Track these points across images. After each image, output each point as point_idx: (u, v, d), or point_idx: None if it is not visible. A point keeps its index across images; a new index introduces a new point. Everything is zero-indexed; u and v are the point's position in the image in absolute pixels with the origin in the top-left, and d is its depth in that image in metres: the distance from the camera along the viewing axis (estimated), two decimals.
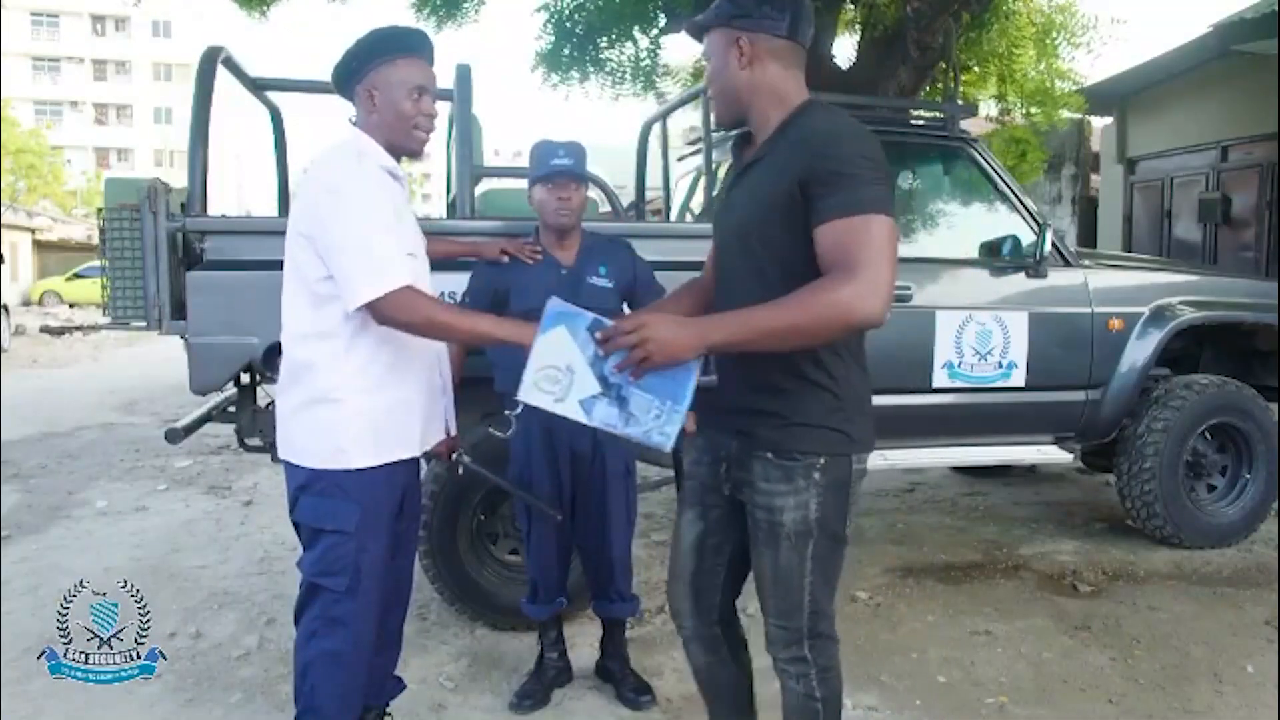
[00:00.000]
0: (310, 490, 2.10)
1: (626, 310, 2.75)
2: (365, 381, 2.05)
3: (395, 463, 2.10)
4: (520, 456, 2.75)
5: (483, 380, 2.87)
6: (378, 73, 2.09)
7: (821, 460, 1.72)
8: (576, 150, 2.73)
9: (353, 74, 2.11)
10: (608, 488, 2.75)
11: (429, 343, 2.18)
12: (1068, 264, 3.98)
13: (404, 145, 2.14)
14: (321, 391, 2.05)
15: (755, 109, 1.78)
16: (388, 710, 2.48)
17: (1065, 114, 8.92)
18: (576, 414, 1.70)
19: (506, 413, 2.63)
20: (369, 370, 2.05)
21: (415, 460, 2.23)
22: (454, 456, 2.46)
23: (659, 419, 1.67)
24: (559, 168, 2.67)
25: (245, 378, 3.31)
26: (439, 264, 2.90)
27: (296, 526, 2.17)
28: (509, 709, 2.77)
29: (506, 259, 2.78)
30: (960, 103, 4.21)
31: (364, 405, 2.05)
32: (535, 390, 1.70)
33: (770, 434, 1.74)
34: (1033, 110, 8.47)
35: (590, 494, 2.76)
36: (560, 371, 1.70)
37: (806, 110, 1.74)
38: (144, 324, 3.01)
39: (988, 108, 8.67)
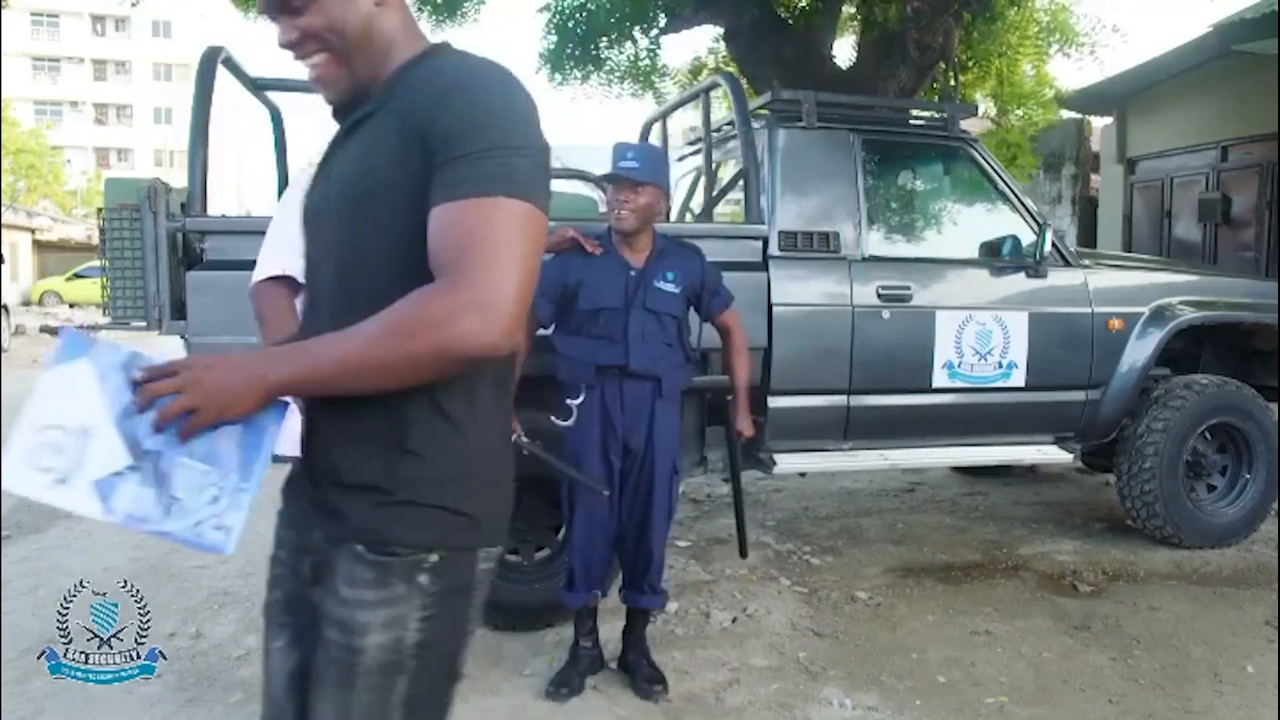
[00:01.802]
0: None
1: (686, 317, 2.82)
2: None
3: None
4: (574, 445, 2.80)
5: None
6: None
7: (433, 557, 1.17)
8: (646, 154, 2.77)
9: None
10: (654, 484, 2.80)
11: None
12: (1068, 264, 3.98)
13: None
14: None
15: (372, 58, 1.22)
16: None
17: (1052, 116, 9.03)
18: (88, 505, 1.09)
19: (568, 401, 2.78)
20: None
21: None
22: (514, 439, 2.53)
23: (216, 503, 1.13)
24: (620, 170, 2.70)
25: None
26: None
27: None
28: (545, 696, 2.81)
29: (572, 245, 2.81)
30: (960, 103, 4.21)
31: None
32: (25, 470, 1.08)
33: (364, 516, 1.18)
34: (1019, 112, 8.57)
35: (638, 488, 2.81)
36: (69, 436, 1.09)
37: (436, 52, 1.23)
38: (144, 324, 3.01)
39: (984, 107, 8.72)
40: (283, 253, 2.07)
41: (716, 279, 2.89)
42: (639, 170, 2.69)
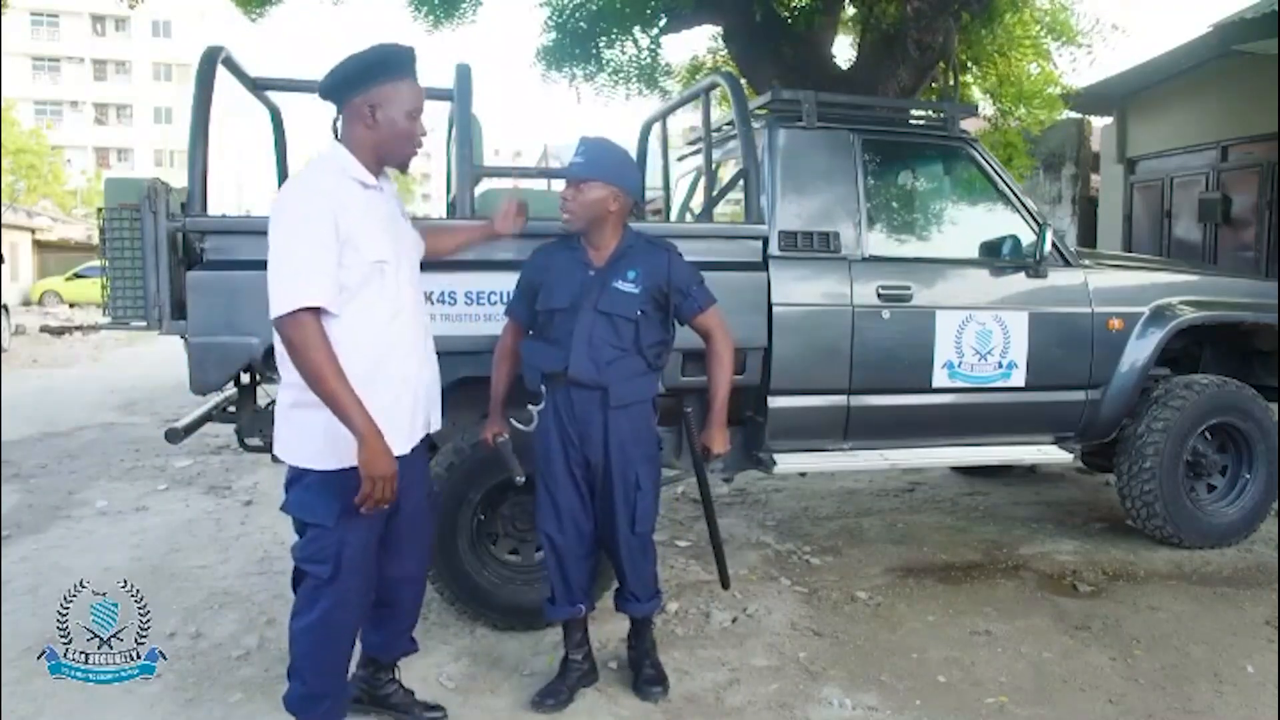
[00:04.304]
0: (296, 485, 2.29)
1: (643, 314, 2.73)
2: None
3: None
4: (540, 453, 2.75)
5: (484, 380, 2.90)
6: (381, 90, 2.19)
7: None
8: (594, 150, 2.66)
9: (353, 85, 2.20)
10: (614, 500, 2.71)
11: (413, 343, 2.33)
12: (1068, 264, 3.98)
13: (396, 159, 2.29)
14: (301, 396, 2.18)
15: None
16: (396, 665, 2.69)
17: (1052, 115, 9.03)
18: None
19: (529, 406, 2.76)
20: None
21: (412, 454, 2.37)
22: (494, 439, 2.80)
23: None
24: (568, 167, 2.66)
25: (245, 378, 3.31)
26: (453, 263, 2.94)
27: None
28: (530, 707, 2.75)
29: (519, 228, 2.85)
30: (960, 103, 4.21)
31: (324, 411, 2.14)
32: None
33: None
34: (1022, 112, 8.57)
35: (602, 502, 2.74)
36: None
37: None
38: (144, 324, 3.01)
39: (983, 108, 8.72)
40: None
41: (689, 279, 2.74)
42: (582, 167, 2.62)
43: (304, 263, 2.08)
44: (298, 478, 2.29)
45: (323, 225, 2.11)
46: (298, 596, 2.39)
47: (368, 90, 2.18)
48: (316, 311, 2.09)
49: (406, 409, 2.33)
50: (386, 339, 2.25)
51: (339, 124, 2.25)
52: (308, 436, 2.22)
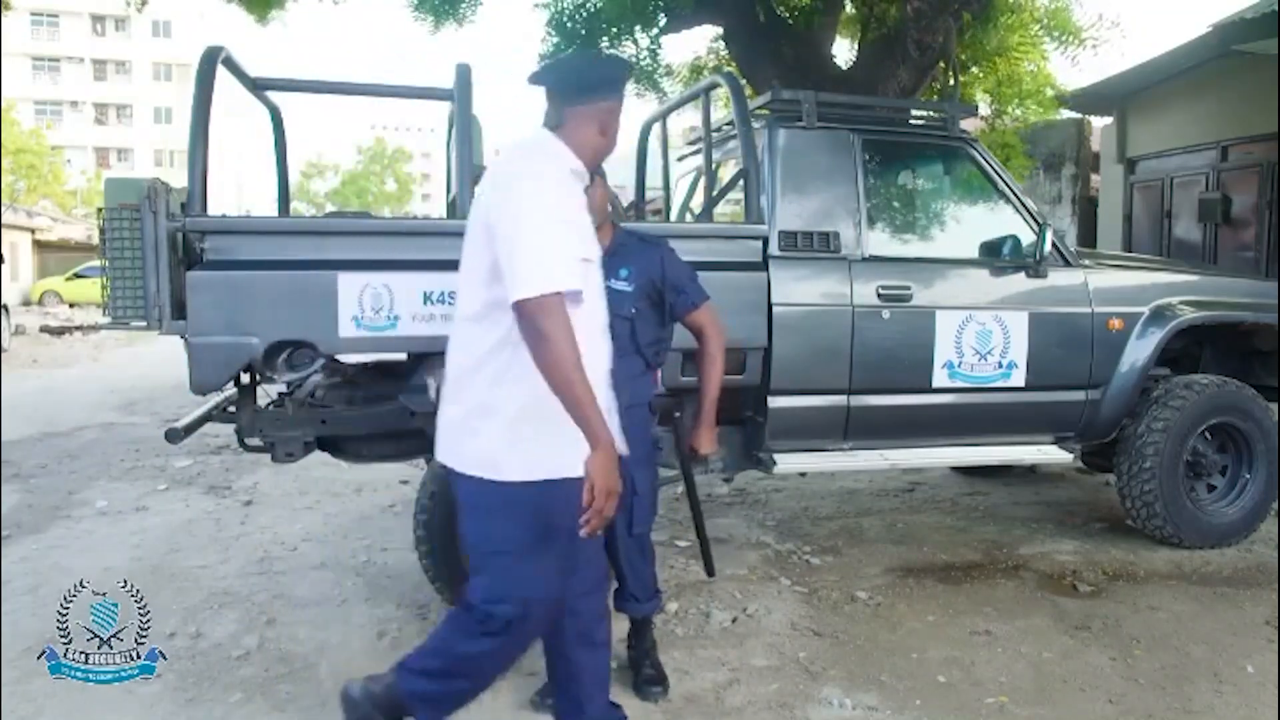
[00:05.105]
0: (479, 511, 2.04)
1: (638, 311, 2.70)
2: (533, 392, 1.95)
3: (564, 480, 1.98)
4: None
5: None
6: (611, 103, 2.18)
7: None
8: None
9: (595, 90, 2.16)
10: None
11: (599, 355, 2.12)
12: (1068, 264, 3.98)
13: (596, 166, 2.28)
14: (489, 398, 1.99)
15: None
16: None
17: (1045, 113, 9.08)
18: None
19: None
20: (537, 381, 1.93)
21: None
22: None
23: None
24: None
25: (245, 378, 3.31)
26: (453, 263, 2.93)
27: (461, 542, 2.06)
28: (530, 707, 2.75)
29: None
30: (960, 103, 4.21)
31: (529, 414, 1.98)
32: None
33: None
34: (1017, 112, 8.60)
35: None
36: None
37: None
38: (144, 324, 3.01)
39: (983, 108, 8.74)
40: None
41: (683, 275, 2.73)
42: None
43: (554, 243, 1.91)
44: (480, 500, 2.02)
45: (569, 208, 2.03)
46: (468, 619, 2.10)
47: (606, 99, 2.16)
48: (562, 298, 1.89)
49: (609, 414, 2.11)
50: (589, 340, 2.07)
51: (561, 117, 2.14)
52: (508, 444, 1.99)
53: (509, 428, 1.99)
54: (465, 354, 2.08)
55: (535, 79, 2.19)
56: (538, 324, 1.86)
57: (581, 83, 2.16)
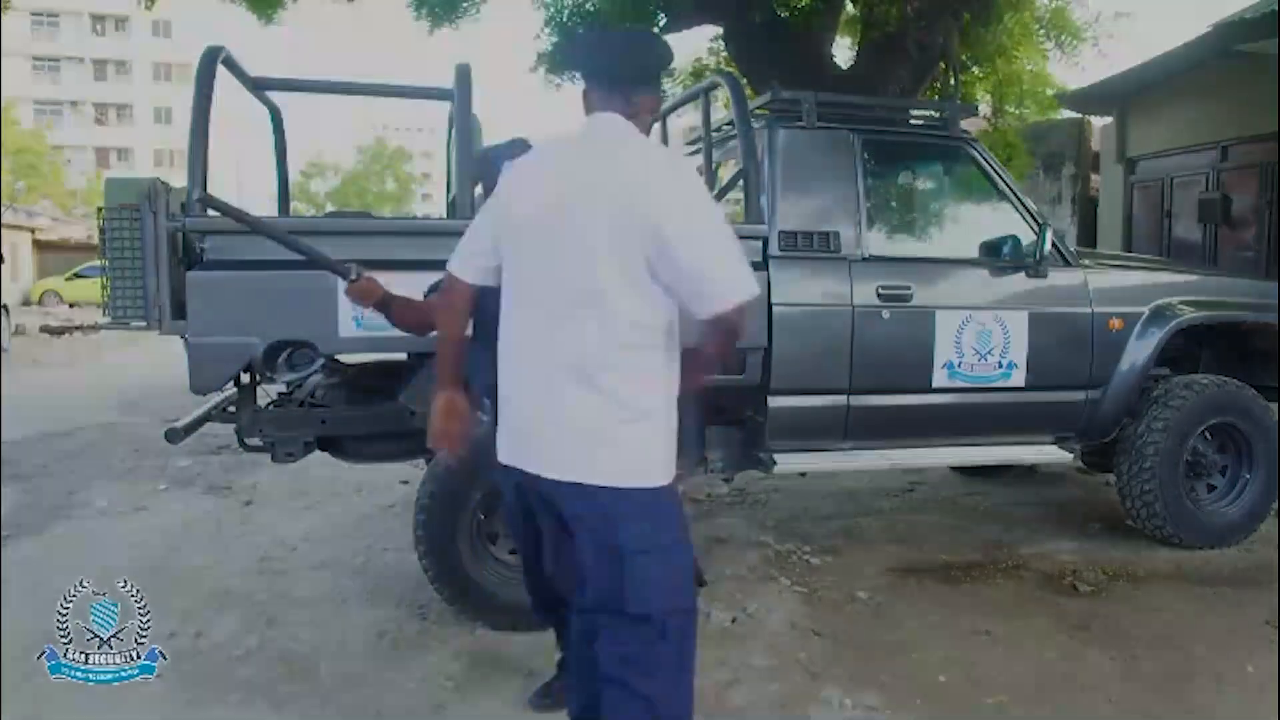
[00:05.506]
0: (633, 519, 1.91)
1: None
2: (671, 394, 1.95)
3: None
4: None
5: None
6: (658, 97, 2.12)
7: None
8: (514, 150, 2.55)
9: (653, 80, 2.09)
10: None
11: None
12: (1068, 264, 3.98)
13: None
14: (640, 404, 1.90)
15: None
16: None
17: (1044, 112, 9.10)
18: None
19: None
20: (673, 384, 1.96)
21: None
22: None
23: None
24: None
25: (245, 378, 3.31)
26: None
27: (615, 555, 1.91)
28: (527, 704, 2.76)
29: None
30: (960, 103, 4.21)
31: (671, 421, 1.96)
32: None
33: None
34: (1016, 112, 8.61)
35: None
36: None
37: None
38: (144, 324, 3.01)
39: (983, 107, 8.74)
40: None
41: None
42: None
43: (739, 251, 1.91)
44: (628, 509, 1.89)
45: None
46: (663, 649, 1.92)
47: (658, 89, 2.12)
48: None
49: None
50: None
51: (631, 105, 1.99)
52: (660, 448, 1.93)
53: (657, 432, 1.93)
54: (571, 352, 1.89)
55: (605, 65, 2.01)
56: (740, 329, 1.93)
57: (642, 73, 2.05)
